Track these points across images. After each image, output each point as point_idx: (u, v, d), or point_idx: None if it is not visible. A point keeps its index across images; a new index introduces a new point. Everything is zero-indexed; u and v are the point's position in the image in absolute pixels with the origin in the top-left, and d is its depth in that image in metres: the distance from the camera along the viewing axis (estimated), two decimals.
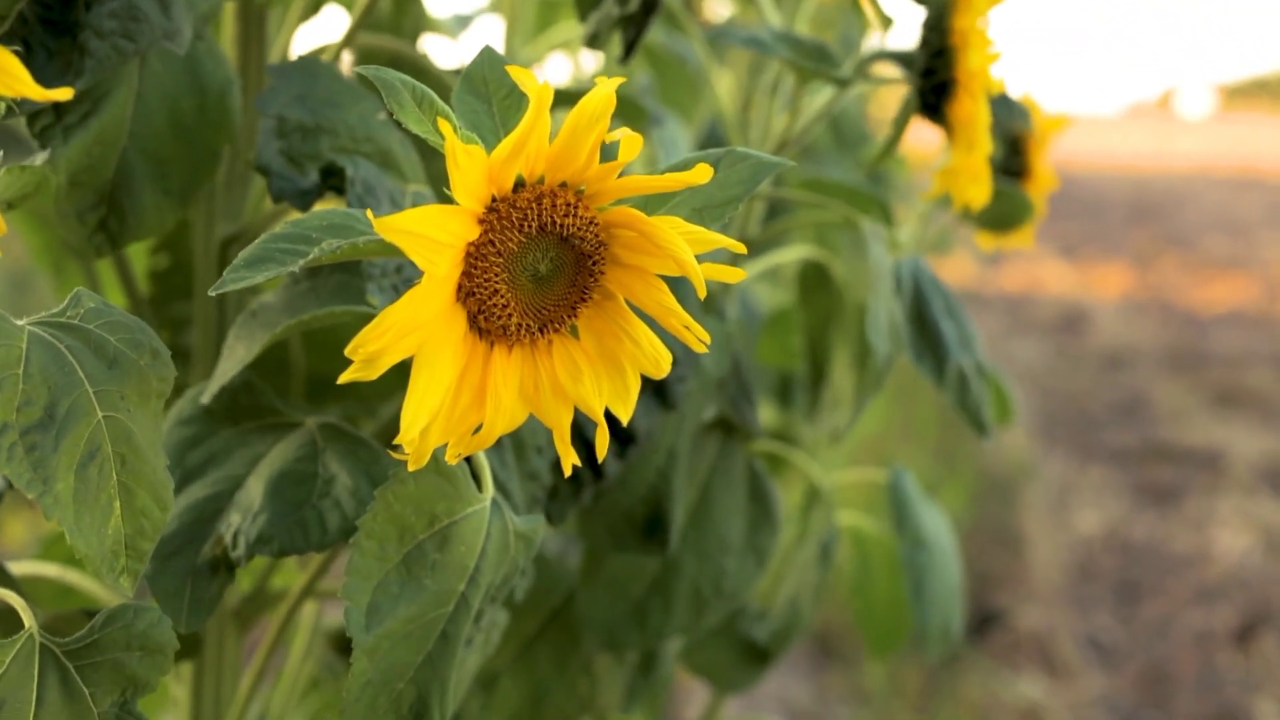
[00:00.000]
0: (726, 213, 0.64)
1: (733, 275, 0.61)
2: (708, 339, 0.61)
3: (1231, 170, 14.68)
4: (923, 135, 1.26)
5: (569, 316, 0.61)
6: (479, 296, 0.59)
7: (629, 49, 0.96)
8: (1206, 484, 4.16)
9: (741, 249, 0.62)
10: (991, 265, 7.89)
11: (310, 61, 0.90)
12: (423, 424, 0.58)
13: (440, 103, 0.62)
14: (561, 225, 0.59)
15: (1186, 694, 2.89)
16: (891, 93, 1.31)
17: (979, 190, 1.04)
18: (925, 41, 1.02)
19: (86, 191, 0.83)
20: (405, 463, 0.60)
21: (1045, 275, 7.83)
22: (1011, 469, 4.16)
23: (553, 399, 0.62)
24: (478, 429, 0.61)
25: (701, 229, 0.60)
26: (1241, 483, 4.16)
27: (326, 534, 0.76)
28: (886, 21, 1.14)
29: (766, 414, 1.67)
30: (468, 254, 0.58)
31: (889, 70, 1.07)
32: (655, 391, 1.00)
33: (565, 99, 1.04)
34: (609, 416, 0.62)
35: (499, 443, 0.84)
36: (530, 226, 0.58)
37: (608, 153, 0.58)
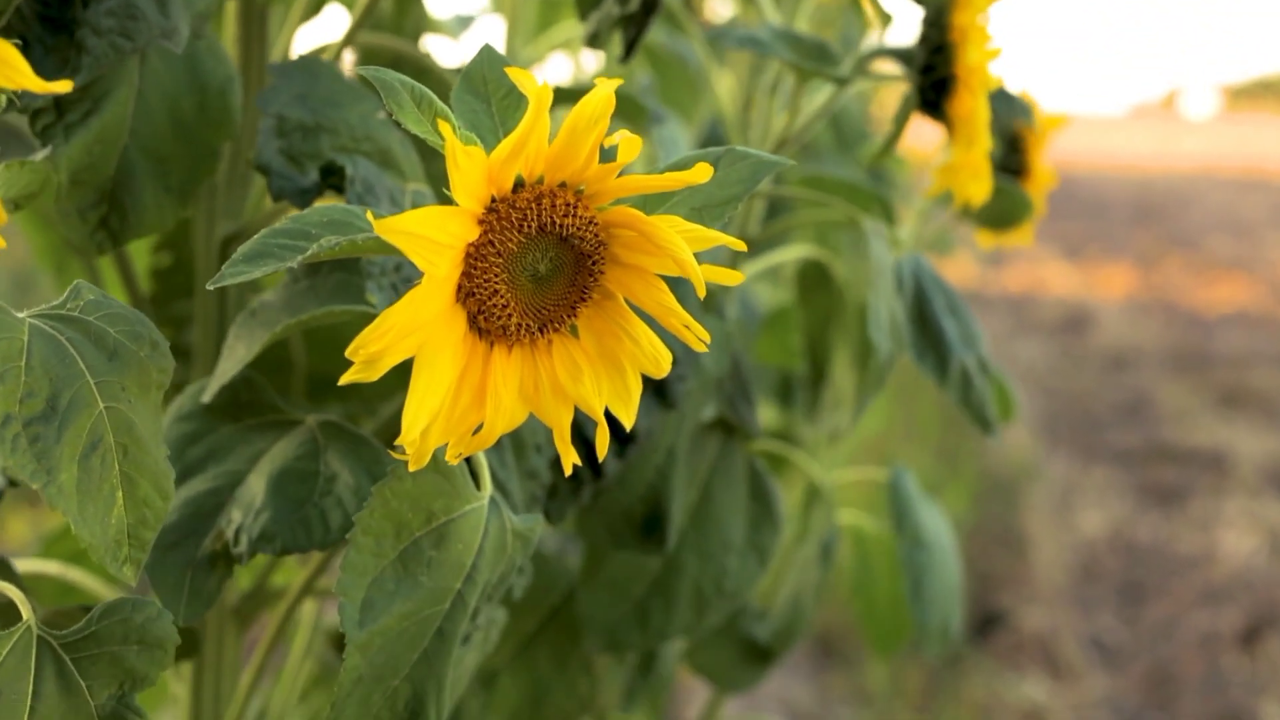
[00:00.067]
0: (726, 212, 0.64)
1: (732, 278, 0.61)
2: (707, 338, 0.61)
3: (1236, 171, 14.67)
4: (923, 135, 1.26)
5: (569, 316, 0.61)
6: (479, 297, 0.59)
7: (629, 49, 0.96)
8: (1211, 485, 4.15)
9: (742, 247, 0.62)
10: (994, 266, 7.89)
11: (311, 61, 0.90)
12: (424, 424, 0.58)
13: (439, 103, 0.62)
14: (561, 225, 0.59)
15: (1191, 696, 2.88)
16: (892, 92, 1.31)
17: (979, 187, 1.04)
18: (925, 38, 1.02)
19: (88, 189, 0.83)
20: (406, 462, 0.60)
21: (1049, 276, 7.82)
22: (1015, 469, 4.15)
23: (553, 399, 0.62)
24: (478, 429, 0.61)
25: (701, 228, 0.60)
26: (1246, 484, 4.15)
27: (329, 532, 0.75)
28: (886, 19, 1.14)
29: (767, 414, 1.67)
30: (467, 254, 0.58)
31: (889, 67, 1.07)
32: (655, 391, 1.00)
33: (566, 98, 1.04)
34: (608, 416, 0.62)
35: (498, 441, 0.84)
36: (530, 226, 0.58)
37: (607, 153, 0.58)
